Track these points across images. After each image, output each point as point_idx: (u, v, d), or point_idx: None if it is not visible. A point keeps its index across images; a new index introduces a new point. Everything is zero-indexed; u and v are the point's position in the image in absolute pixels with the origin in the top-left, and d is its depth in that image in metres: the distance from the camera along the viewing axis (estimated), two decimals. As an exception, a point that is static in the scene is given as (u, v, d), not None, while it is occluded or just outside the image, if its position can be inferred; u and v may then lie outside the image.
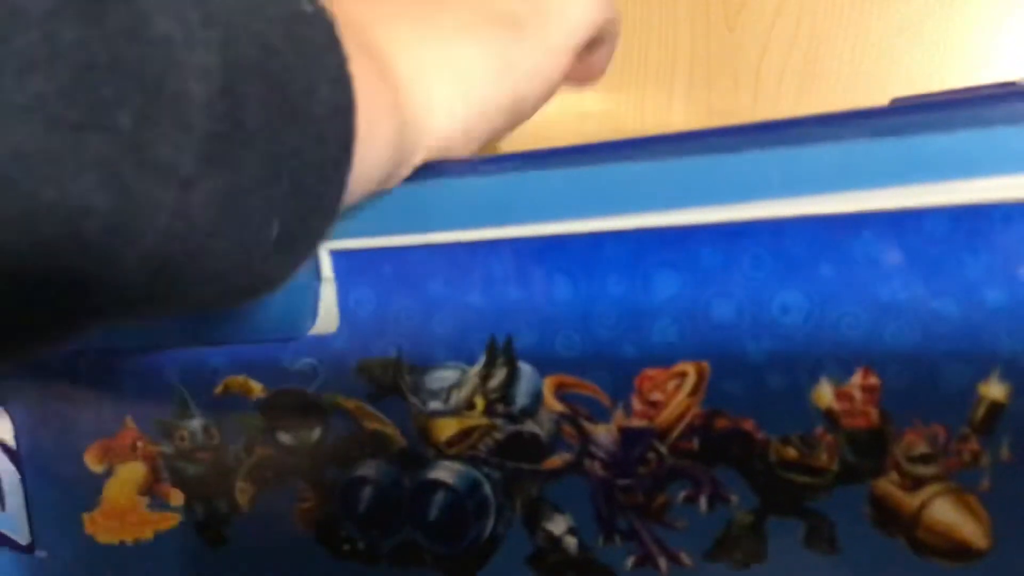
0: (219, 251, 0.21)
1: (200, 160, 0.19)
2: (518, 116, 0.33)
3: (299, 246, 0.24)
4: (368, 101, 0.25)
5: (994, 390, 0.27)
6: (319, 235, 0.24)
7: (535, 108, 0.35)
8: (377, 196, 0.31)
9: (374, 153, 0.26)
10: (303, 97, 0.21)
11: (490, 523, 0.33)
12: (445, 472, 0.33)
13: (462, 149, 0.31)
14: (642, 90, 0.74)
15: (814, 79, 0.69)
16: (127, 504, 0.39)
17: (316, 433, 0.35)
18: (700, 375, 0.30)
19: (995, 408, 0.27)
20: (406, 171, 0.30)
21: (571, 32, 0.34)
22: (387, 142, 0.27)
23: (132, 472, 0.38)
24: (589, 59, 0.39)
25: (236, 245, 0.21)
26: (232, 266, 0.22)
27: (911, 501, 0.28)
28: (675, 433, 0.30)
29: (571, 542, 0.32)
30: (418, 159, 0.30)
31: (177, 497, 0.38)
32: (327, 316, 0.33)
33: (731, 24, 0.71)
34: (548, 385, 0.31)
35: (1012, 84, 0.34)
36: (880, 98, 0.63)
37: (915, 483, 0.28)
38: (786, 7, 0.69)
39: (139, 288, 0.20)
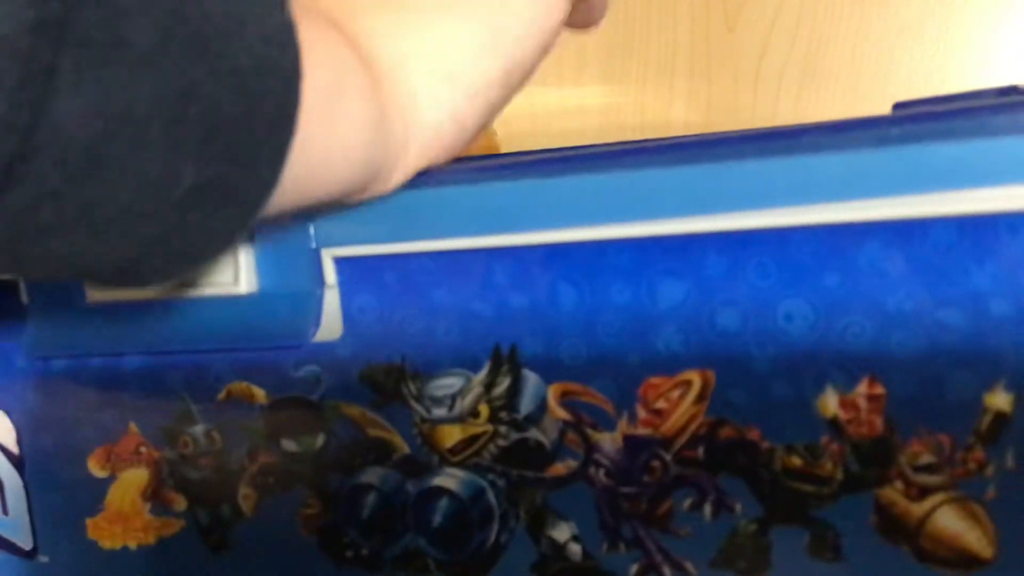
0: (112, 179, 0.19)
1: (51, 51, 0.17)
2: (514, 84, 0.32)
3: (224, 206, 0.22)
4: (334, 75, 0.24)
5: (999, 400, 0.27)
6: (251, 199, 0.23)
7: (534, 67, 0.33)
8: (380, 202, 0.31)
9: (348, 132, 0.25)
10: (226, 45, 0.20)
11: (494, 530, 0.33)
12: (449, 479, 0.33)
13: (456, 137, 0.31)
14: (642, 88, 0.74)
15: (814, 79, 0.69)
16: (130, 509, 0.38)
17: (319, 440, 0.35)
18: (705, 383, 0.30)
19: (1000, 418, 0.27)
20: (400, 171, 0.30)
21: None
22: (364, 124, 0.26)
23: (135, 477, 0.38)
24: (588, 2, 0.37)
25: (133, 179, 0.20)
26: (134, 205, 0.20)
27: (916, 510, 0.28)
28: (680, 441, 0.30)
29: (575, 550, 0.32)
30: (414, 153, 0.30)
31: (180, 502, 0.38)
32: (330, 323, 0.33)
33: (731, 24, 0.71)
34: (553, 393, 0.31)
35: (1015, 88, 0.34)
36: (880, 98, 0.63)
37: (920, 492, 0.28)
38: (786, 7, 0.69)
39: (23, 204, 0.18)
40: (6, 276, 0.22)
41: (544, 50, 0.33)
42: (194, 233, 0.22)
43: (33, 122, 0.18)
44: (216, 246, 0.23)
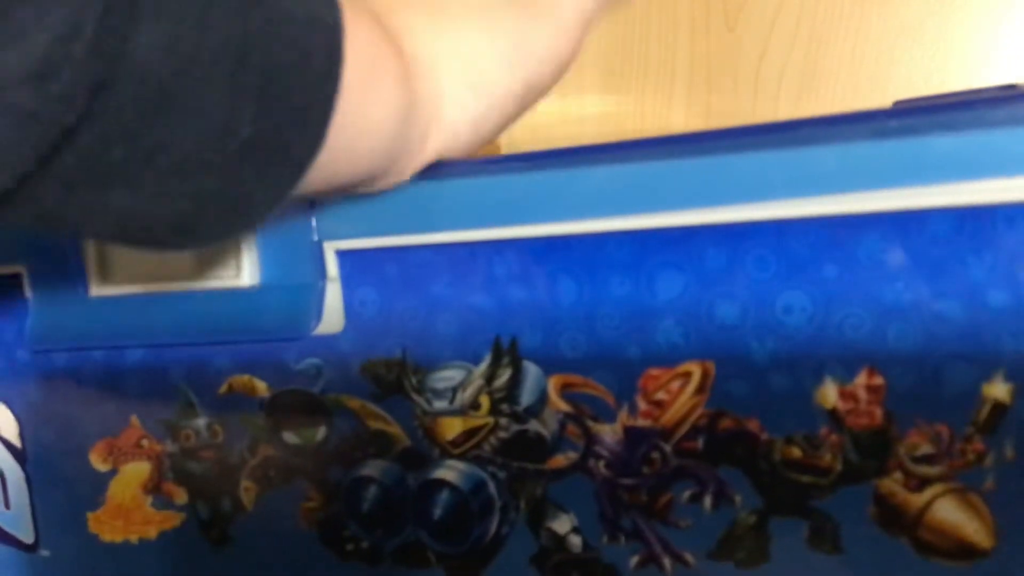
0: (179, 121, 0.20)
1: None
2: (530, 101, 0.33)
3: (276, 162, 0.23)
4: (371, 57, 0.25)
5: (998, 390, 0.27)
6: (300, 156, 0.23)
7: (548, 87, 0.34)
8: (382, 195, 0.31)
9: (379, 113, 0.26)
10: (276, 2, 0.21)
11: (494, 522, 0.33)
12: (449, 472, 0.33)
13: (471, 142, 0.31)
14: (642, 91, 0.74)
15: (814, 79, 0.69)
16: (131, 503, 0.39)
17: (320, 433, 0.35)
18: (704, 375, 0.30)
19: (999, 408, 0.27)
20: (416, 164, 0.30)
21: (583, 7, 0.34)
22: (394, 108, 0.27)
23: (137, 471, 0.38)
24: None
25: (198, 123, 0.20)
26: (198, 151, 0.21)
27: (915, 501, 0.28)
28: (679, 433, 0.30)
29: (575, 541, 0.32)
30: (430, 149, 0.30)
31: (181, 496, 0.38)
32: (332, 316, 0.33)
33: (731, 24, 0.71)
34: (553, 385, 0.32)
35: (1013, 87, 0.34)
36: (880, 98, 0.64)
37: (919, 483, 0.28)
38: (786, 7, 0.69)
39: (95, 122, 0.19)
40: (63, 234, 0.22)
41: (559, 73, 0.34)
42: (248, 188, 0.23)
43: (119, 50, 0.18)
44: (266, 204, 0.24)
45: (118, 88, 0.18)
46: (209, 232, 0.24)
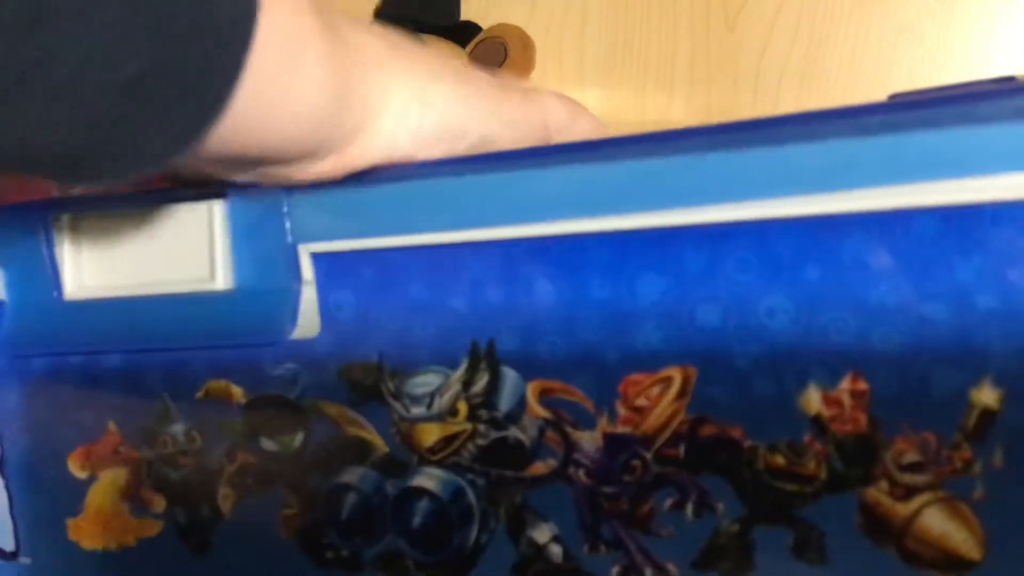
0: (54, 25, 0.18)
1: None
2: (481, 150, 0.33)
3: (165, 107, 0.21)
4: (297, 23, 0.25)
5: (986, 396, 0.26)
6: (196, 108, 0.22)
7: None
8: (357, 196, 0.31)
9: (302, 91, 0.25)
10: None
11: (474, 531, 0.32)
12: (428, 479, 0.33)
13: (409, 152, 0.31)
14: (642, 90, 0.73)
15: (814, 79, 0.68)
16: (110, 510, 0.38)
17: (298, 439, 0.34)
18: (686, 380, 0.29)
19: (987, 415, 0.26)
20: (337, 160, 0.29)
21: (554, 126, 0.35)
22: (321, 89, 0.26)
23: (115, 478, 0.38)
24: None
25: (76, 36, 0.19)
26: (76, 72, 0.19)
27: (902, 510, 0.27)
28: (660, 440, 0.30)
29: (556, 551, 0.32)
30: (356, 150, 0.29)
31: (159, 503, 0.37)
32: (308, 320, 0.33)
33: (731, 24, 0.70)
34: (532, 390, 0.31)
35: (1011, 79, 0.33)
36: (880, 98, 0.63)
37: (906, 492, 0.27)
38: (786, 7, 0.68)
39: None
40: None
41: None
42: (143, 129, 0.21)
43: None
44: (165, 148, 0.22)
45: None
46: (98, 171, 0.22)
